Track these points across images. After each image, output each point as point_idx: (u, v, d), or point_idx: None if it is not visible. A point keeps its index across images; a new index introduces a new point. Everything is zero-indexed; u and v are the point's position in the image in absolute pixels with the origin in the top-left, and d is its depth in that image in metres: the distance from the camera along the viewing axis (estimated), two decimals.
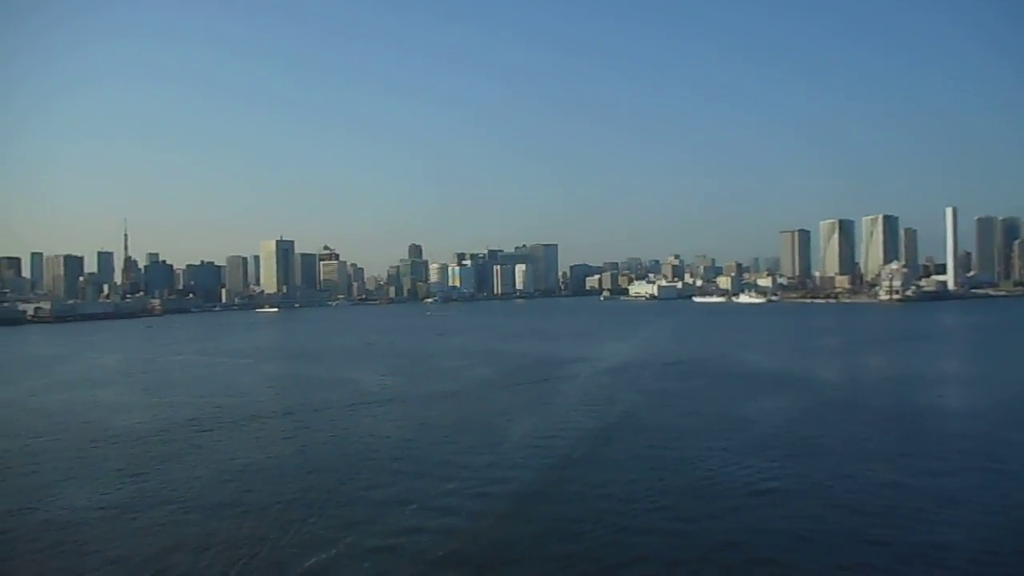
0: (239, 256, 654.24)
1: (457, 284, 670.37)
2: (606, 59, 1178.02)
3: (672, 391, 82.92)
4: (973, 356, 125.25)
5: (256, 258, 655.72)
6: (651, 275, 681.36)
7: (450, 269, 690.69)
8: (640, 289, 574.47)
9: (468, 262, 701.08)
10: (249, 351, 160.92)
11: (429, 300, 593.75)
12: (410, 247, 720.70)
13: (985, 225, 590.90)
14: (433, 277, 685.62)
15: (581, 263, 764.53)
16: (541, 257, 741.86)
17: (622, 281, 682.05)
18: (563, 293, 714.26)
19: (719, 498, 40.71)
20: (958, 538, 33.92)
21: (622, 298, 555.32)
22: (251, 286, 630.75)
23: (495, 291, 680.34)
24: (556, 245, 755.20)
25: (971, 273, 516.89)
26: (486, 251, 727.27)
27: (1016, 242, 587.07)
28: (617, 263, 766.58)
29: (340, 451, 55.30)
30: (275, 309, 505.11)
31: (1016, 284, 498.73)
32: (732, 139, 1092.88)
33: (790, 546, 33.51)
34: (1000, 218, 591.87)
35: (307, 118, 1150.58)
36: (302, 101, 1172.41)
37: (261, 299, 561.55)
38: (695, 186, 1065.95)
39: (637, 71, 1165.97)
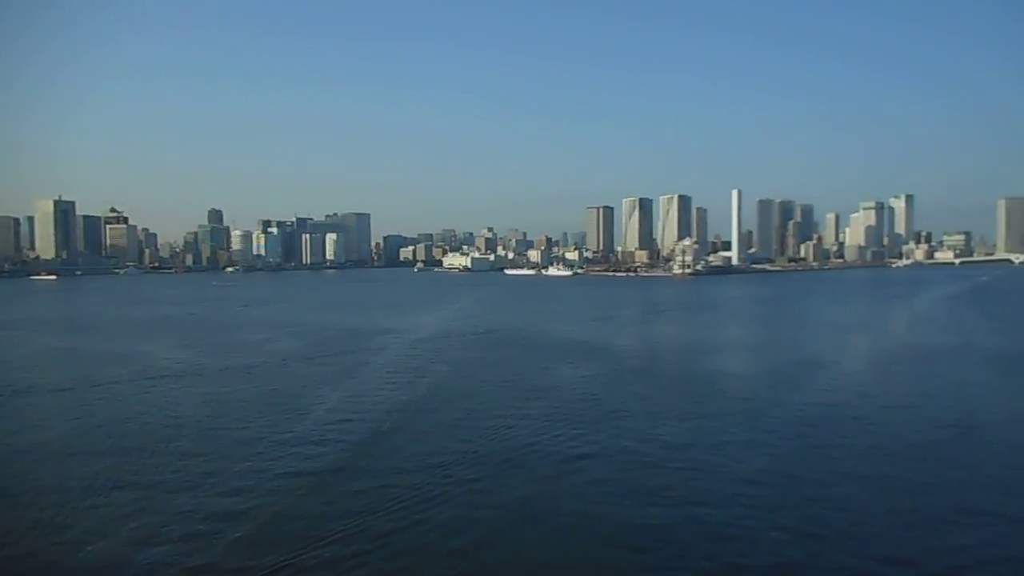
0: (9, 217, 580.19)
1: (262, 253, 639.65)
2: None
3: (482, 361, 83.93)
4: (751, 325, 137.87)
5: (30, 219, 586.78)
6: (465, 247, 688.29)
7: (255, 237, 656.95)
8: (454, 261, 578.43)
9: (274, 230, 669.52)
10: (21, 322, 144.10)
11: (230, 269, 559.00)
12: (210, 212, 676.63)
13: (765, 207, 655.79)
14: (236, 245, 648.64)
15: (395, 234, 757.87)
16: (353, 226, 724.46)
17: (436, 253, 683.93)
18: (376, 264, 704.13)
19: (530, 467, 41.41)
20: (732, 492, 36.94)
21: (436, 269, 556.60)
22: (24, 251, 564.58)
23: (304, 261, 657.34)
24: (369, 214, 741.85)
25: (752, 249, 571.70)
26: (294, 219, 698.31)
27: (790, 222, 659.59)
28: (432, 234, 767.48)
29: (124, 430, 50.47)
30: (53, 276, 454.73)
31: (789, 260, 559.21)
32: (541, 118, 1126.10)
33: (598, 511, 34.75)
34: (777, 201, 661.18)
35: (99, 68, 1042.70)
36: (98, 50, 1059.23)
37: (36, 265, 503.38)
38: (509, 162, 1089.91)
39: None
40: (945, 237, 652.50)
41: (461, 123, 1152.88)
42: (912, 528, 32.32)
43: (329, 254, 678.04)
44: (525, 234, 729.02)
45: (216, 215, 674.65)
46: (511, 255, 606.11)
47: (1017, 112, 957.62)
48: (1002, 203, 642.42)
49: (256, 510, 34.39)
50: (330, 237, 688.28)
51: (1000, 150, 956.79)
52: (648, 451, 44.23)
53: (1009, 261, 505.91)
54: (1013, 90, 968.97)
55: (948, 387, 66.09)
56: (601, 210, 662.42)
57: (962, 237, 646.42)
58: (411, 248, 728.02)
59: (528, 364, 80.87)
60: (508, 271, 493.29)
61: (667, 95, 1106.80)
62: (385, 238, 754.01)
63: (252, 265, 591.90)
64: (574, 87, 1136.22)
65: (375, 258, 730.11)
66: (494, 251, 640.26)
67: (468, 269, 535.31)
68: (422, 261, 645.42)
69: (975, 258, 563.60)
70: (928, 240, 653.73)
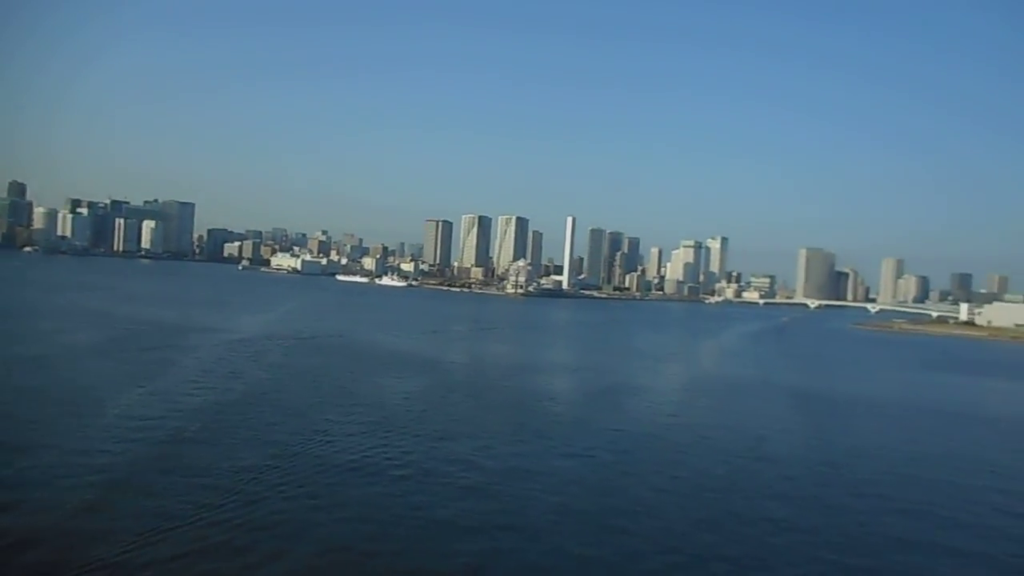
0: None
1: (68, 235, 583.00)
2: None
3: (304, 368, 79.70)
4: (576, 348, 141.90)
5: None
6: (296, 248, 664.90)
7: (61, 216, 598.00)
8: (283, 262, 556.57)
9: (85, 210, 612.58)
10: None
11: (28, 249, 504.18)
12: (10, 184, 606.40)
13: (596, 236, 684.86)
14: (38, 223, 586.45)
15: (221, 227, 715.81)
16: (175, 215, 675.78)
17: (265, 251, 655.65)
18: (197, 257, 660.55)
19: (344, 489, 38.67)
20: (547, 522, 36.57)
21: (263, 269, 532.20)
22: None
23: (115, 247, 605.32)
24: (193, 204, 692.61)
25: (582, 276, 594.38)
26: (108, 201, 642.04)
27: (618, 253, 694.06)
28: (261, 232, 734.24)
29: None
30: None
31: (615, 289, 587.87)
32: (384, 126, 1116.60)
33: (413, 546, 32.83)
34: (608, 231, 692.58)
35: None
36: None
37: None
38: (349, 166, 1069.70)
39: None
40: (753, 278, 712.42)
41: (301, 119, 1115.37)
42: (718, 555, 33.15)
43: (145, 242, 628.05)
44: (361, 240, 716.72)
45: (18, 188, 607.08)
46: (345, 261, 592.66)
47: (821, 168, 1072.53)
48: (803, 252, 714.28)
49: (14, 530, 29.40)
50: (147, 224, 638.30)
51: (805, 203, 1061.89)
52: (467, 475, 42.58)
53: (805, 305, 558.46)
54: (825, 149, 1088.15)
55: (747, 418, 70.61)
56: (440, 224, 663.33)
57: (767, 280, 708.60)
58: (237, 244, 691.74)
59: (353, 375, 77.77)
60: (340, 277, 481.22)
61: (516, 110, 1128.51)
62: (209, 231, 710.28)
63: (55, 247, 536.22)
64: (417, 96, 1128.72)
65: (196, 251, 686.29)
66: (327, 255, 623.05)
67: (297, 271, 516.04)
68: (248, 259, 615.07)
69: (777, 300, 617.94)
70: (738, 280, 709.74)
